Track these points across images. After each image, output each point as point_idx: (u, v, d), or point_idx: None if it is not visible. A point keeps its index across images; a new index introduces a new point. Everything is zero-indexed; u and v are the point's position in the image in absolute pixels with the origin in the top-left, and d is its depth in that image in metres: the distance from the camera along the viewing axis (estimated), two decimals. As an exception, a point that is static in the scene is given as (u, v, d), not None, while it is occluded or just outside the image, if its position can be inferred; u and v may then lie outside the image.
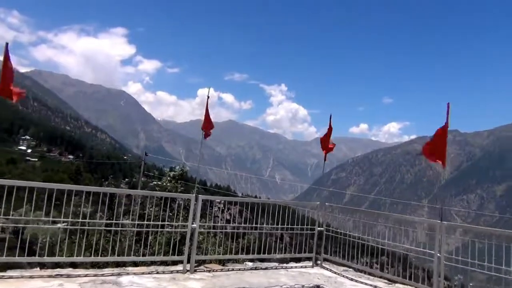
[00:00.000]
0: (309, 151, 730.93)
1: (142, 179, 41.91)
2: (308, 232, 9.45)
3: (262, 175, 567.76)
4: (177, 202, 10.18)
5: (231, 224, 9.14)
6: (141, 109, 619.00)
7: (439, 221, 7.29)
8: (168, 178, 14.74)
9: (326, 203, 9.88)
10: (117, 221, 7.35)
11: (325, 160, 10.29)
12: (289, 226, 9.11)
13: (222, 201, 10.24)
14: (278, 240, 10.81)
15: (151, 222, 7.54)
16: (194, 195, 7.92)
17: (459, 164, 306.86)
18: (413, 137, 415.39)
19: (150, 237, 8.85)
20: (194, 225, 7.71)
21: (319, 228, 9.47)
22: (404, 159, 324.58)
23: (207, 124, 9.65)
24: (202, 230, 8.31)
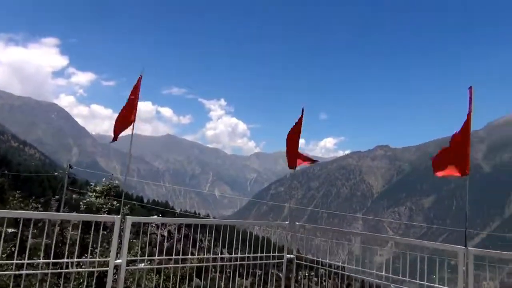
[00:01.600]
0: (248, 166, 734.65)
1: (74, 196, 39.38)
2: (275, 261, 7.14)
3: (201, 190, 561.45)
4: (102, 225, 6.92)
5: (173, 256, 5.77)
6: (74, 123, 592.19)
7: (463, 247, 5.67)
8: (94, 194, 12.08)
9: (297, 222, 7.71)
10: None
11: (294, 168, 8.11)
12: (249, 255, 6.71)
13: (160, 224, 7.96)
14: (234, 271, 7.01)
15: (50, 260, 5.18)
16: (119, 216, 5.47)
17: (390, 178, 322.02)
18: (347, 152, 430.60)
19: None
20: (119, 260, 5.32)
21: (288, 255, 7.29)
22: (339, 173, 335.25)
23: (122, 123, 6.56)
24: (133, 267, 6.03)
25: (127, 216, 5.65)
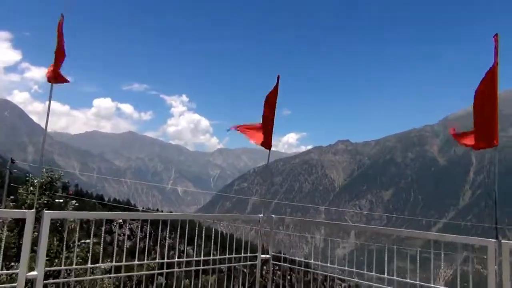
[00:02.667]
0: (211, 162, 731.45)
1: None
2: (247, 263, 5.86)
3: (164, 187, 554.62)
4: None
5: (123, 263, 4.65)
6: (29, 120, 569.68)
7: (494, 240, 4.64)
8: (28, 188, 9.97)
9: (273, 215, 6.27)
10: None
11: (269, 149, 6.96)
12: (215, 257, 5.50)
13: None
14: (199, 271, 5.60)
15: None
16: (32, 211, 3.81)
17: (351, 172, 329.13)
18: (309, 147, 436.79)
19: None
20: (34, 272, 3.73)
21: (263, 256, 6.00)
22: (302, 168, 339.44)
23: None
24: (54, 281, 4.37)
25: (45, 211, 3.94)
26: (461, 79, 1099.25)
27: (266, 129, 6.77)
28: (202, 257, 5.32)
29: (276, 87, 6.38)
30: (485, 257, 3.84)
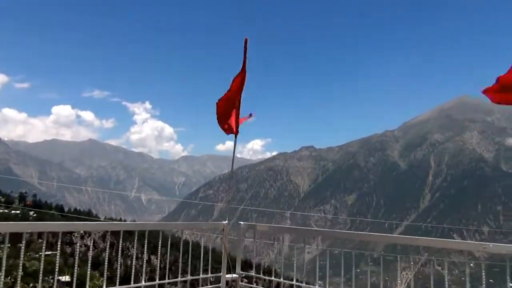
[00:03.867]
0: (176, 169, 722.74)
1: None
2: (210, 287, 5.26)
3: (127, 196, 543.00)
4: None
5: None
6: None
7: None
8: None
9: (241, 222, 5.68)
10: None
11: (236, 134, 6.21)
12: (170, 279, 5.04)
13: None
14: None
15: None
16: None
17: (315, 177, 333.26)
18: (274, 153, 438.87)
19: None
20: None
21: (228, 276, 5.31)
22: (267, 174, 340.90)
23: None
24: None
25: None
26: (419, 85, 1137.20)
27: (228, 113, 6.17)
28: (166, 270, 4.93)
29: (244, 60, 5.74)
30: (443, 259, 3.93)
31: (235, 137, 6.26)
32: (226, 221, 5.60)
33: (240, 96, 5.97)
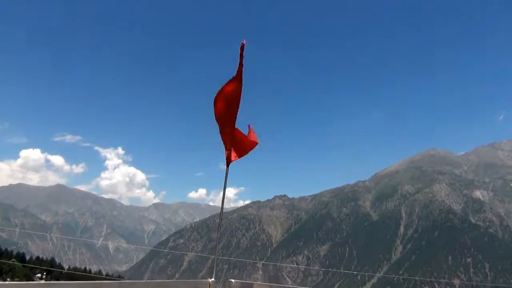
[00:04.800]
0: (146, 217, 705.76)
1: None
2: None
3: (94, 244, 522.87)
4: None
5: None
6: None
7: None
8: None
9: (232, 280, 4.53)
10: None
11: (228, 165, 5.36)
12: None
13: None
14: None
15: None
16: None
17: (288, 227, 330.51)
18: (247, 202, 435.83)
19: None
20: None
21: None
22: (240, 223, 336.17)
23: None
24: None
25: None
26: (390, 137, 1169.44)
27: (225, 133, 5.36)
28: None
29: (240, 67, 5.00)
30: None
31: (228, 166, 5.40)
32: (213, 279, 4.38)
33: (236, 114, 5.28)
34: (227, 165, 5.29)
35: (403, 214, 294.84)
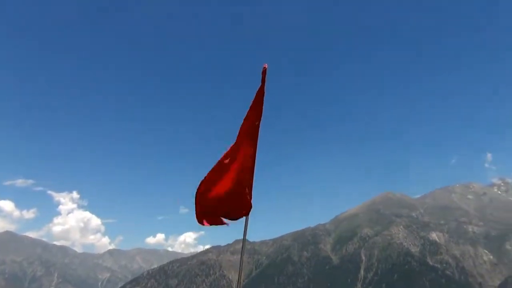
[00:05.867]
0: (100, 264, 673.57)
1: None
2: None
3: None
4: None
5: None
6: None
7: None
8: None
9: None
10: None
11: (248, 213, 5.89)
12: None
13: None
14: None
15: None
16: None
17: (249, 272, 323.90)
18: (207, 246, 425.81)
19: None
20: None
21: None
22: (199, 269, 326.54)
23: None
24: None
25: None
26: (348, 180, 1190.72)
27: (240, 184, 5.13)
28: None
29: (261, 92, 4.72)
30: None
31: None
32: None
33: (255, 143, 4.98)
34: (247, 214, 5.46)
35: (363, 257, 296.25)
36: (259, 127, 5.28)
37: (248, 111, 5.18)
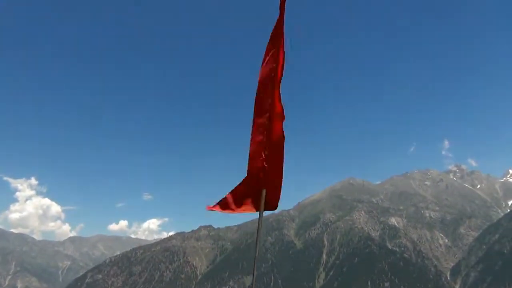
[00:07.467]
0: (61, 252, 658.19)
1: None
2: None
3: (1, 284, 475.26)
4: None
5: None
6: None
7: None
8: None
9: None
10: None
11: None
12: None
13: None
14: None
15: None
16: None
17: (214, 258, 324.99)
18: (171, 233, 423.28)
19: None
20: None
21: None
22: (163, 256, 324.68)
23: None
24: None
25: None
26: (311, 166, 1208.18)
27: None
28: None
29: (281, 29, 3.92)
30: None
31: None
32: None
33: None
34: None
35: (326, 242, 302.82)
36: (281, 72, 4.49)
37: (265, 53, 4.43)
